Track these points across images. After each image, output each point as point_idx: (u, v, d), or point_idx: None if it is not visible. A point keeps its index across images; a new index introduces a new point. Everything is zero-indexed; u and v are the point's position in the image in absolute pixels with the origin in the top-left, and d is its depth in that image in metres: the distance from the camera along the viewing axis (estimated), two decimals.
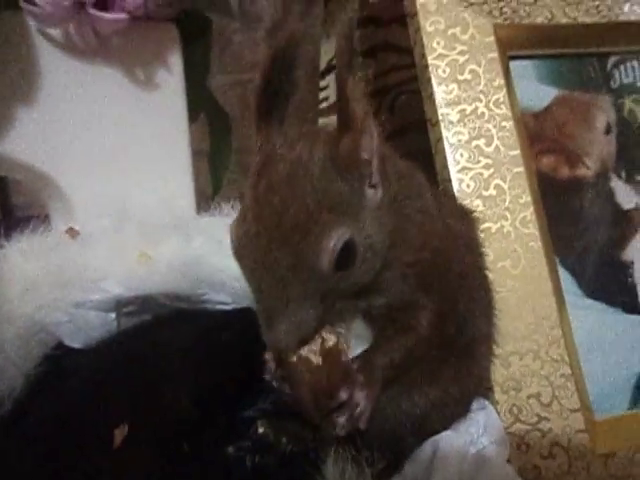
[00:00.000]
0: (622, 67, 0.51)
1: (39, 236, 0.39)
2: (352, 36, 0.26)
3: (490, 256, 0.41)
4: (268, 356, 0.31)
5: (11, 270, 0.37)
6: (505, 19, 0.47)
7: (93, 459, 0.30)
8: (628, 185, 0.49)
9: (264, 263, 0.26)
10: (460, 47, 0.45)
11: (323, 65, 0.59)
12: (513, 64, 0.47)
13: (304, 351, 0.27)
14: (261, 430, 0.33)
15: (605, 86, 0.51)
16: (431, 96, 0.44)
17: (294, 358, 0.27)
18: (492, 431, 0.36)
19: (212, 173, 0.63)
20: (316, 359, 0.27)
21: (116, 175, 0.48)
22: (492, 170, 0.44)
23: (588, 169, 0.48)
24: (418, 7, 0.45)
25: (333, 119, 0.28)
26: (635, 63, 0.51)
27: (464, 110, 0.44)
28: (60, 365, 0.35)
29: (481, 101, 0.45)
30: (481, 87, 0.45)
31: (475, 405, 0.37)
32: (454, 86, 0.44)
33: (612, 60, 0.51)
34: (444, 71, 0.45)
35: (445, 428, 0.35)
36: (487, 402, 0.38)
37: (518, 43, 0.47)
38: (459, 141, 0.44)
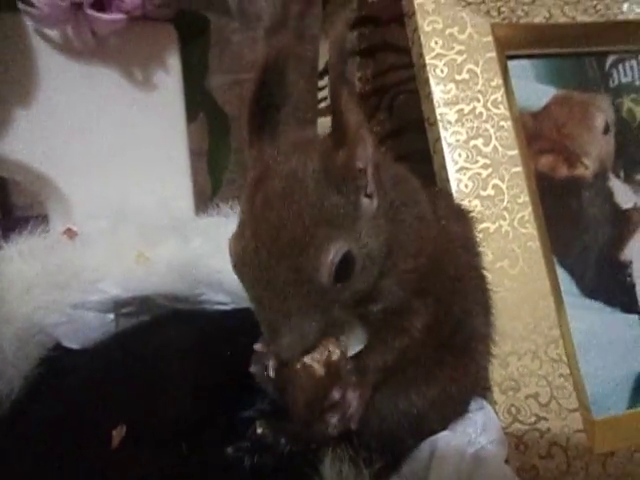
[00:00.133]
0: (620, 66, 0.51)
1: (37, 237, 0.39)
2: (345, 47, 0.26)
3: (488, 256, 0.41)
4: (257, 347, 0.31)
5: (9, 271, 0.37)
6: (503, 18, 0.47)
7: (91, 460, 0.31)
8: (627, 185, 0.49)
9: (264, 278, 0.26)
10: (458, 47, 0.45)
11: (322, 65, 0.59)
12: (511, 64, 0.47)
13: (308, 359, 0.28)
14: (260, 431, 0.32)
15: (603, 85, 0.51)
16: (429, 96, 0.44)
17: (298, 365, 0.28)
18: (490, 431, 0.36)
19: (211, 173, 0.63)
20: (319, 369, 0.28)
21: (114, 176, 0.48)
22: (490, 170, 0.44)
23: (587, 169, 0.48)
24: (416, 7, 0.45)
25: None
26: (634, 62, 0.51)
27: (462, 110, 0.44)
28: (58, 366, 0.35)
29: (479, 101, 0.44)
30: (479, 87, 0.45)
31: (473, 405, 0.37)
32: (452, 86, 0.44)
33: (610, 59, 0.51)
34: (442, 71, 0.44)
35: (443, 428, 0.35)
36: (485, 402, 0.38)
37: (516, 42, 0.47)
38: (457, 141, 0.44)
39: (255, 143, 0.29)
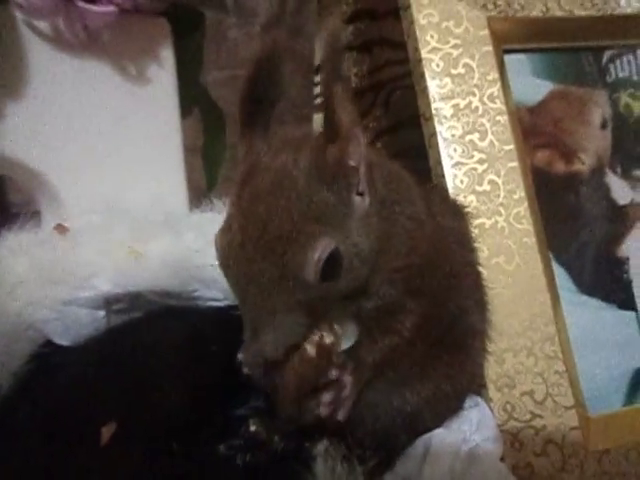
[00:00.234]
0: (618, 61, 0.50)
1: (28, 233, 0.39)
2: (339, 43, 0.26)
3: (484, 252, 0.41)
4: (240, 357, 0.31)
5: None
6: (499, 12, 0.46)
7: (80, 457, 0.30)
8: (624, 180, 0.49)
9: (249, 274, 0.26)
10: (454, 41, 0.45)
11: (318, 61, 0.58)
12: (508, 58, 0.47)
13: None
14: (253, 428, 0.32)
15: (601, 80, 0.50)
16: (424, 90, 0.44)
17: None
18: (485, 429, 0.36)
19: (206, 169, 0.63)
20: (311, 350, 0.27)
21: (107, 171, 0.48)
22: (486, 165, 0.43)
23: (583, 164, 0.48)
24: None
25: None
26: (631, 57, 0.51)
27: (458, 104, 0.44)
28: (48, 363, 0.35)
29: (475, 95, 0.44)
30: (475, 81, 0.44)
31: (468, 402, 0.37)
32: (448, 80, 0.44)
33: (608, 54, 0.51)
34: (438, 65, 0.44)
35: (437, 425, 0.35)
36: (480, 399, 0.38)
37: (513, 36, 0.47)
38: (453, 136, 0.43)
39: (246, 137, 0.29)
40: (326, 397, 0.29)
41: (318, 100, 0.60)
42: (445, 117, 0.43)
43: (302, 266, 0.25)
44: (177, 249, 0.40)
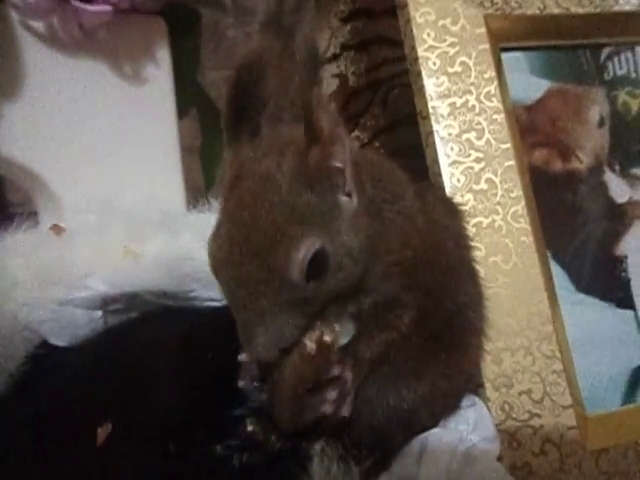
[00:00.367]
0: (616, 59, 0.50)
1: (24, 233, 0.39)
2: (316, 47, 0.26)
3: (481, 251, 0.41)
4: (242, 357, 0.31)
5: None
6: (496, 10, 0.46)
7: (76, 457, 0.30)
8: (622, 178, 0.49)
9: (237, 277, 0.27)
10: (450, 39, 0.44)
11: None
12: (504, 56, 0.47)
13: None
14: (250, 428, 0.32)
15: (598, 78, 0.50)
16: (421, 89, 0.44)
17: None
18: (482, 428, 0.35)
19: (204, 169, 0.63)
20: (310, 346, 0.28)
21: (104, 171, 0.48)
22: (483, 164, 0.43)
23: (581, 162, 0.48)
24: None
25: None
26: (629, 54, 0.51)
27: (454, 103, 0.44)
28: (44, 364, 0.35)
29: (472, 94, 0.44)
30: (472, 79, 0.44)
31: (465, 402, 0.37)
32: (444, 79, 0.44)
33: (606, 51, 0.50)
34: (434, 63, 0.44)
35: (434, 424, 0.34)
36: (477, 399, 0.38)
37: (510, 34, 0.47)
38: (449, 134, 0.43)
39: (233, 143, 0.30)
40: (332, 394, 0.29)
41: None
42: (442, 116, 0.43)
43: (287, 266, 0.26)
44: (174, 249, 0.40)
